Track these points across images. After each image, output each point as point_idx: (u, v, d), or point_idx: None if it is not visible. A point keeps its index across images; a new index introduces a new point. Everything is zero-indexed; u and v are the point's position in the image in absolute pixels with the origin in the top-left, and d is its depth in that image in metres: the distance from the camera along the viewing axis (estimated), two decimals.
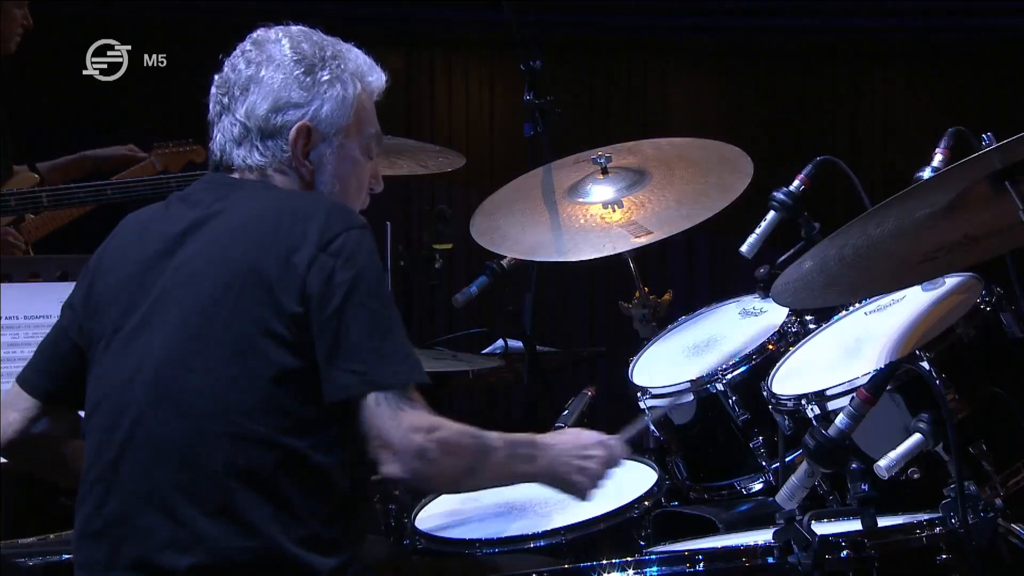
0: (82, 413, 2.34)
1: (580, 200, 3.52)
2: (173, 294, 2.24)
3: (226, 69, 2.40)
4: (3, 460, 2.52)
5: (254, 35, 2.43)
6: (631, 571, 2.33)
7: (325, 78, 2.38)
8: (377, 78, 2.50)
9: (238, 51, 2.41)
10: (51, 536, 2.99)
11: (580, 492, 2.45)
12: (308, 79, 2.36)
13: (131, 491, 2.18)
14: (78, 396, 2.33)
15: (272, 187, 2.35)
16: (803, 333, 3.14)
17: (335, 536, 2.18)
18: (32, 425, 2.41)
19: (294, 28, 2.44)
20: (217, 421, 2.15)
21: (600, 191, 3.52)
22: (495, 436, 2.29)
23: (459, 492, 2.29)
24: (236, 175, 2.37)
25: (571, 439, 2.46)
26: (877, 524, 2.29)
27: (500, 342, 4.47)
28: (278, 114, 2.34)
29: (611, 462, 2.48)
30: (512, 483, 2.55)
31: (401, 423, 2.15)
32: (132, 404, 2.20)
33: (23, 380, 2.43)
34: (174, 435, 2.17)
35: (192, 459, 2.15)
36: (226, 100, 2.37)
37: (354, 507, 2.25)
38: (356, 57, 2.46)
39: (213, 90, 2.41)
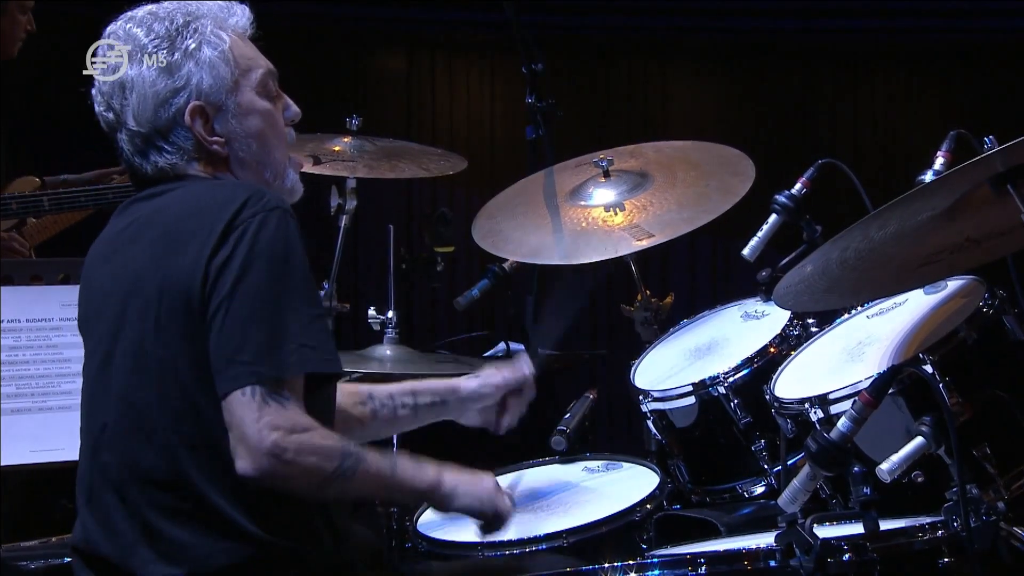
0: None
1: (582, 203, 3.52)
2: (109, 311, 2.23)
3: (97, 80, 2.31)
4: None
5: (106, 33, 2.32)
6: (633, 574, 2.33)
7: (191, 47, 2.25)
8: (239, 16, 2.35)
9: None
10: (53, 539, 3.00)
11: (488, 505, 2.37)
12: (175, 57, 2.24)
13: (107, 509, 2.20)
14: None
15: (190, 185, 2.27)
16: (805, 336, 3.14)
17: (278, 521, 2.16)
18: None
19: (139, 12, 2.31)
20: (157, 432, 2.15)
21: (602, 194, 3.52)
22: (373, 449, 2.20)
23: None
24: (154, 185, 2.30)
25: (463, 471, 2.37)
26: (879, 527, 2.29)
27: (502, 345, 4.47)
28: (164, 108, 2.25)
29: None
30: (400, 496, 2.50)
31: (260, 418, 2.05)
32: (99, 421, 2.24)
33: None
34: (134, 451, 2.18)
35: (150, 469, 2.16)
36: (110, 116, 2.29)
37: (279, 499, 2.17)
38: (209, 8, 2.32)
39: (96, 107, 2.32)
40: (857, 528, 2.32)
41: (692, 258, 7.19)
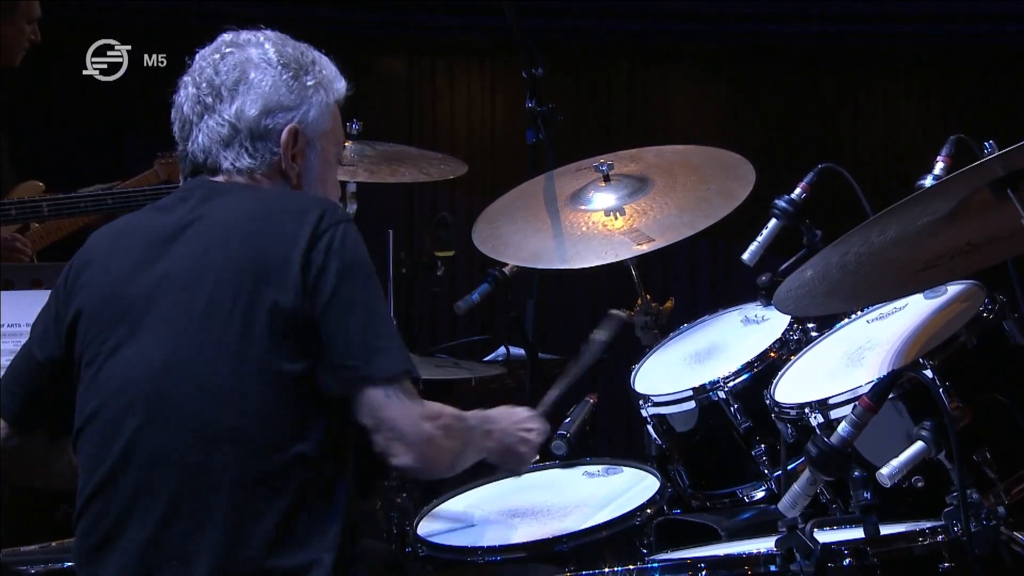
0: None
1: (582, 207, 3.52)
2: (164, 303, 2.21)
3: (205, 69, 2.35)
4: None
5: (227, 38, 2.39)
6: None
7: (311, 83, 2.37)
8: (343, 86, 2.47)
9: (214, 52, 2.37)
10: (53, 543, 2.99)
11: (522, 462, 2.61)
12: (296, 83, 2.35)
13: (131, 504, 2.16)
14: (41, 416, 2.38)
15: (259, 188, 2.33)
16: (805, 341, 3.14)
17: (333, 535, 2.17)
18: (6, 441, 2.40)
19: (269, 32, 2.41)
20: (221, 430, 2.14)
21: (602, 198, 3.51)
22: (468, 415, 2.38)
23: (451, 474, 2.36)
24: (222, 178, 2.34)
25: (509, 414, 2.58)
26: (879, 532, 2.29)
27: (502, 349, 4.48)
28: (269, 117, 2.32)
29: (542, 435, 2.63)
30: (477, 459, 2.58)
31: (411, 413, 2.20)
32: (129, 417, 2.19)
33: None
34: (176, 446, 2.15)
35: (196, 470, 2.14)
36: (210, 100, 2.33)
37: (343, 502, 2.23)
38: (328, 64, 2.45)
39: (191, 90, 2.35)
40: (857, 533, 2.32)
41: (692, 263, 7.20)
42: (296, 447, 2.15)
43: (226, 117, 2.32)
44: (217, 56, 2.36)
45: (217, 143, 2.33)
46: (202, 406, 2.16)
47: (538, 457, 2.73)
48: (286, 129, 2.33)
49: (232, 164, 2.33)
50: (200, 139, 2.34)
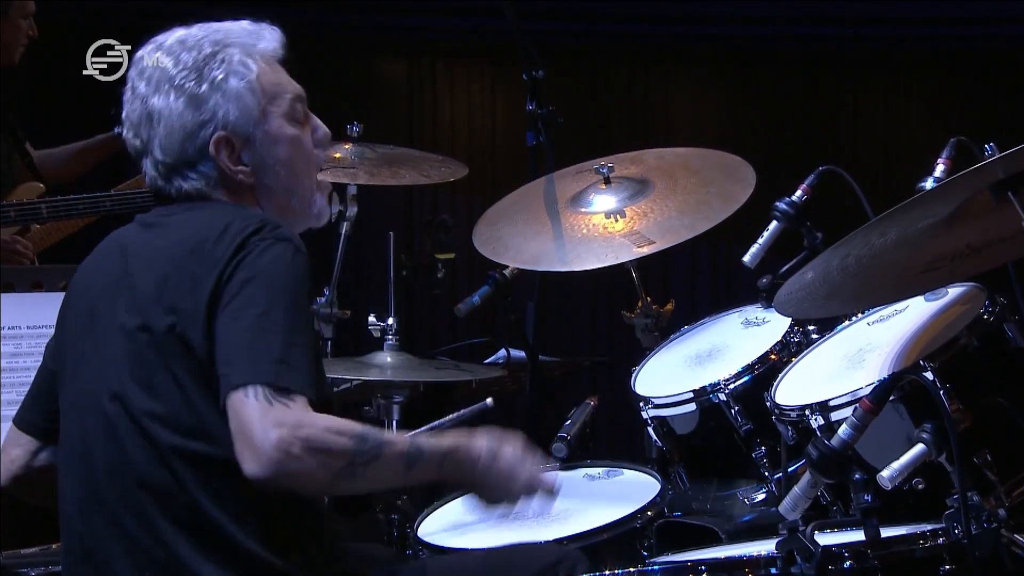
0: None
1: (582, 210, 3.52)
2: (116, 317, 2.20)
3: (125, 103, 2.30)
4: None
5: (136, 59, 2.31)
6: None
7: (218, 78, 2.24)
8: (268, 41, 2.33)
9: (128, 83, 2.30)
10: (54, 546, 2.99)
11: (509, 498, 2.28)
12: (202, 88, 2.24)
13: (110, 526, 2.16)
14: None
15: (211, 205, 2.27)
16: (806, 343, 3.14)
17: (289, 538, 2.14)
18: (33, 459, 2.39)
19: (168, 39, 2.31)
20: (164, 442, 2.11)
21: (602, 201, 3.52)
22: (392, 434, 2.17)
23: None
24: (177, 200, 2.29)
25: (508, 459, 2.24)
26: (880, 534, 2.29)
27: (502, 351, 4.47)
28: (190, 140, 2.24)
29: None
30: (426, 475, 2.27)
31: (264, 417, 1.97)
32: (93, 432, 2.19)
33: (18, 419, 2.42)
34: (131, 458, 2.14)
35: (149, 480, 2.12)
36: (138, 143, 2.28)
37: (294, 508, 2.16)
38: (238, 35, 2.30)
39: (124, 132, 2.31)
40: (858, 535, 2.32)
41: (693, 265, 7.19)
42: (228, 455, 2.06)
43: (157, 156, 2.26)
44: (129, 88, 2.30)
45: (161, 178, 2.28)
46: (145, 422, 2.13)
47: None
48: (211, 143, 2.24)
49: (181, 191, 2.28)
50: (148, 173, 2.30)
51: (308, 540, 2.19)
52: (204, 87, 2.24)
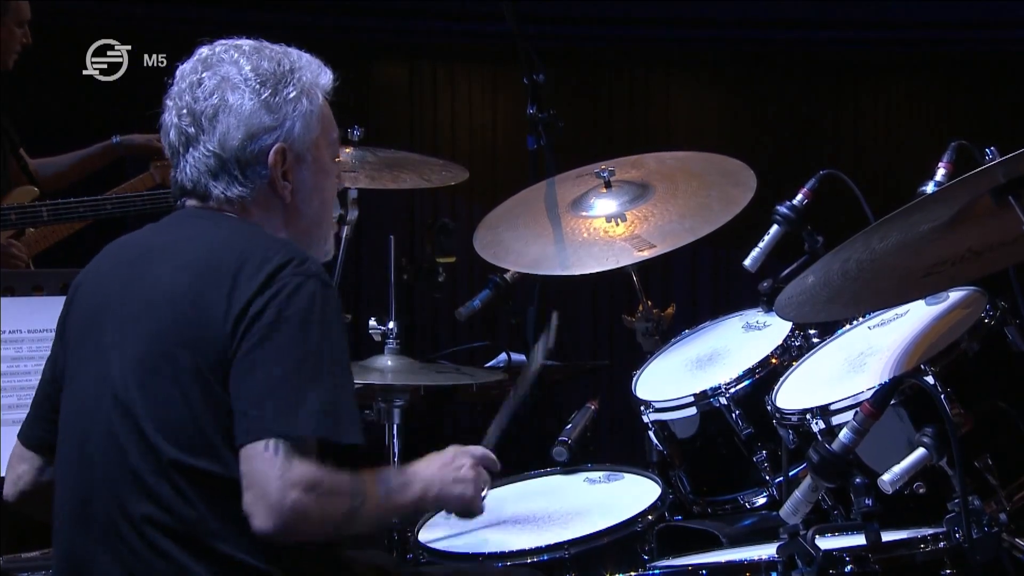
0: None
1: (583, 214, 3.52)
2: (124, 329, 2.20)
3: (184, 94, 2.29)
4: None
5: (203, 55, 2.33)
6: None
7: (292, 95, 2.30)
8: (328, 79, 2.40)
9: (192, 73, 2.30)
10: None
11: (468, 502, 2.43)
12: (276, 99, 2.28)
13: (101, 532, 2.15)
14: None
15: (238, 222, 2.28)
16: (806, 347, 3.14)
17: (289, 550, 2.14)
18: (41, 474, 2.38)
19: (244, 44, 2.34)
20: (165, 454, 2.11)
21: (603, 204, 3.52)
22: (368, 480, 2.20)
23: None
24: (213, 204, 2.30)
25: (433, 461, 2.40)
26: (881, 539, 2.29)
27: (503, 355, 4.47)
28: (253, 141, 2.26)
29: (482, 463, 2.48)
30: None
31: (283, 475, 2.03)
32: (91, 439, 2.18)
33: (22, 435, 2.41)
34: (134, 469, 2.13)
35: (157, 493, 2.11)
36: (192, 131, 2.28)
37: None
38: (309, 64, 2.37)
39: (173, 118, 2.30)
40: (859, 539, 2.32)
41: (693, 269, 7.19)
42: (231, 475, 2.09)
43: (211, 148, 2.27)
44: (195, 79, 2.30)
45: (205, 174, 2.29)
46: (152, 431, 2.13)
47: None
48: (272, 150, 2.27)
49: (223, 192, 2.28)
50: (188, 170, 2.30)
51: (308, 552, 2.19)
52: (278, 98, 2.29)
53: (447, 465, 2.40)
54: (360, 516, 2.16)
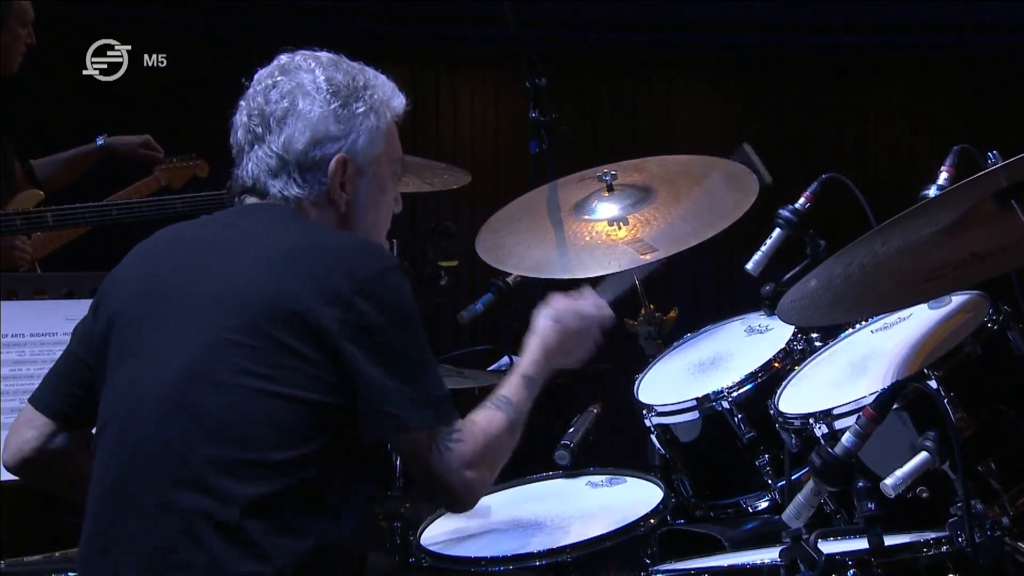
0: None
1: (585, 217, 3.52)
2: (193, 314, 2.21)
3: (257, 96, 2.37)
4: (11, 477, 2.51)
5: (282, 61, 2.41)
6: None
7: (361, 109, 2.37)
8: (400, 102, 2.48)
9: (268, 76, 2.39)
10: (56, 554, 2.99)
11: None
12: (345, 111, 2.36)
13: (139, 510, 2.15)
14: (91, 414, 2.33)
15: (305, 220, 2.34)
16: (809, 351, 3.14)
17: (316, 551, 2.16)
18: (48, 442, 2.40)
19: (323, 56, 2.43)
20: (234, 447, 2.12)
21: (605, 208, 3.51)
22: (508, 407, 2.40)
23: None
24: (270, 201, 2.36)
25: (541, 346, 2.64)
26: (883, 542, 2.29)
27: (505, 359, 4.46)
28: (317, 148, 2.34)
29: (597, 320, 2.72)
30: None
31: (451, 464, 2.24)
32: (143, 420, 2.18)
33: (36, 401, 2.42)
34: (188, 455, 2.14)
35: (207, 481, 2.12)
36: (259, 130, 2.35)
37: (343, 532, 2.21)
38: (383, 84, 2.45)
39: (243, 118, 2.38)
40: (861, 543, 2.32)
41: (696, 272, 7.20)
42: (302, 473, 2.13)
43: (274, 148, 2.34)
44: (270, 82, 2.38)
45: (265, 172, 2.35)
46: (217, 421, 2.14)
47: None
48: (334, 159, 2.34)
49: (280, 191, 2.35)
50: (249, 167, 2.37)
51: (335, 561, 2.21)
52: (347, 110, 2.36)
53: (556, 350, 2.66)
54: (515, 439, 2.40)
